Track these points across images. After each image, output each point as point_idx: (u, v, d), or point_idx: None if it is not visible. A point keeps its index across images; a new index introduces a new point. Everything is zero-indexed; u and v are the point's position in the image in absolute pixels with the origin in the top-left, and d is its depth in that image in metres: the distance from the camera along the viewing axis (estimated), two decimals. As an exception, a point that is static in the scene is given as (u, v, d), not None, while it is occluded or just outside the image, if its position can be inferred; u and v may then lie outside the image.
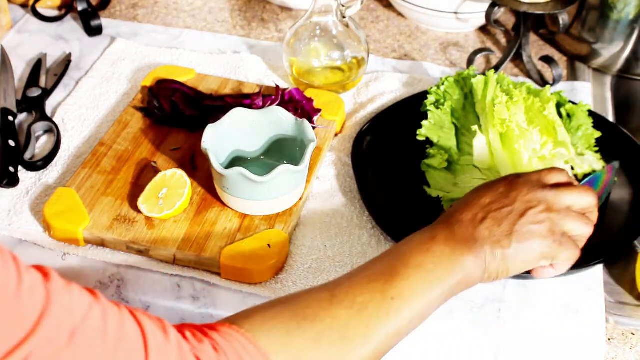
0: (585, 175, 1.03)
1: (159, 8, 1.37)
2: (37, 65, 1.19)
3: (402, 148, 1.07)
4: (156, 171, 1.00)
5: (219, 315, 0.91)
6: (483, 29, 1.36)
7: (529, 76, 1.23)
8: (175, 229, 0.94)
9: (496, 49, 1.31)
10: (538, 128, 1.01)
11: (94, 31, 1.29)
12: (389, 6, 1.39)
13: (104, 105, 1.15)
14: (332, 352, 0.70)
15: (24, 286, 0.55)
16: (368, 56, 1.17)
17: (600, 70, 1.27)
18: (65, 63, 1.21)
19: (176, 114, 1.09)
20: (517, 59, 1.24)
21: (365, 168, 1.03)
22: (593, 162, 1.03)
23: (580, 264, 0.92)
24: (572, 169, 1.03)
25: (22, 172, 1.03)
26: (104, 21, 1.32)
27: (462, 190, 0.99)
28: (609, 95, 1.23)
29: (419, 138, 1.06)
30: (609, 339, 0.88)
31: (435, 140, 1.05)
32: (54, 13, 1.34)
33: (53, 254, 0.94)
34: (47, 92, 1.15)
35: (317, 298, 0.72)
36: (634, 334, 0.89)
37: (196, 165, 1.02)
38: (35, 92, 1.13)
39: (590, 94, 1.21)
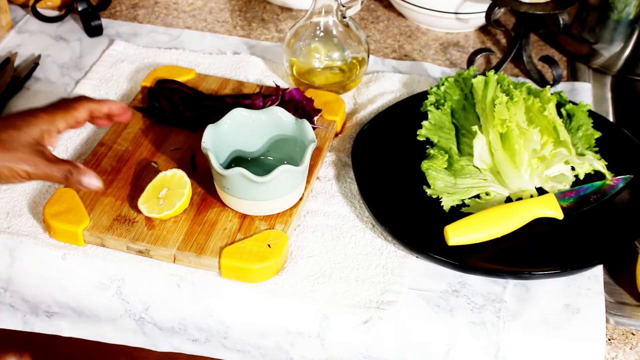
0: (587, 175, 1.03)
1: (159, 8, 1.37)
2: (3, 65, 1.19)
3: (402, 148, 1.07)
4: (156, 171, 1.00)
5: (219, 315, 0.91)
6: (483, 29, 1.36)
7: (529, 76, 1.23)
8: (175, 229, 0.94)
9: (496, 49, 1.31)
10: (538, 128, 1.02)
11: (94, 31, 1.29)
12: (389, 6, 1.39)
13: (104, 105, 1.15)
14: None
15: None
16: (368, 56, 1.17)
17: (600, 70, 1.27)
18: (31, 66, 1.20)
19: (176, 114, 1.09)
20: (517, 59, 1.23)
21: (365, 168, 1.03)
22: (593, 162, 1.03)
23: (580, 264, 0.93)
24: (573, 169, 1.03)
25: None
26: (104, 21, 1.32)
27: (462, 191, 0.99)
28: (609, 95, 1.23)
29: (419, 138, 1.06)
30: (609, 339, 0.88)
31: (435, 140, 1.05)
32: (54, 13, 1.34)
33: (53, 254, 0.94)
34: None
35: None
36: (634, 334, 0.89)
37: (196, 165, 1.02)
38: None
39: (590, 94, 1.21)
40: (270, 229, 0.94)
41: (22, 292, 0.95)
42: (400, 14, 1.38)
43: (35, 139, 0.88)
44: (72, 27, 1.31)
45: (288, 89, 1.11)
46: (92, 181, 0.87)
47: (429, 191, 1.00)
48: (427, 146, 1.05)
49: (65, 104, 0.92)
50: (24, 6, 1.35)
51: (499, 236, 0.94)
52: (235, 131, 0.99)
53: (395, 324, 0.89)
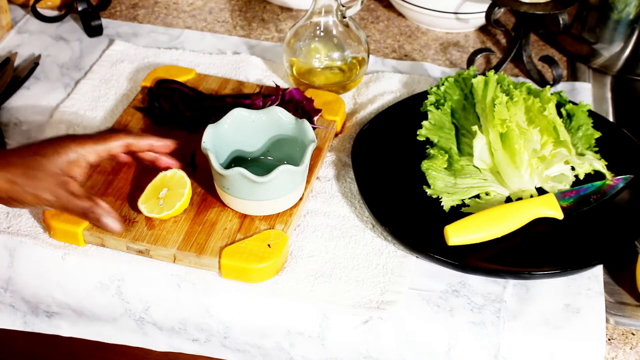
0: (587, 175, 1.03)
1: (159, 8, 1.37)
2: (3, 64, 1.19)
3: (402, 148, 1.07)
4: (156, 171, 1.00)
5: (219, 315, 0.91)
6: (483, 29, 1.36)
7: (529, 76, 1.23)
8: (175, 229, 0.94)
9: (496, 49, 1.31)
10: (538, 128, 1.02)
11: (94, 31, 1.29)
12: (389, 6, 1.39)
13: (104, 105, 1.15)
14: None
15: None
16: (368, 56, 1.17)
17: (600, 70, 1.27)
18: (31, 66, 1.20)
19: (176, 114, 1.09)
20: (517, 59, 1.24)
21: (365, 168, 1.03)
22: (593, 162, 1.03)
23: (580, 264, 0.93)
24: (573, 169, 1.03)
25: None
26: (104, 21, 1.32)
27: (462, 191, 0.99)
28: (609, 95, 1.23)
29: (419, 138, 1.06)
30: (609, 339, 0.88)
31: (435, 140, 1.05)
32: (54, 13, 1.34)
33: (53, 254, 0.94)
34: None
35: None
36: (634, 334, 0.89)
37: (196, 165, 1.02)
38: None
39: (590, 94, 1.21)
40: (270, 229, 0.94)
41: (22, 292, 0.95)
42: (400, 14, 1.38)
43: (61, 169, 0.86)
44: (72, 27, 1.31)
45: (288, 89, 1.11)
46: (110, 223, 0.87)
47: (429, 191, 1.00)
48: (427, 146, 1.05)
49: (99, 135, 0.90)
50: (24, 6, 1.35)
51: (499, 236, 0.94)
52: (235, 131, 0.99)
53: (395, 324, 0.89)
